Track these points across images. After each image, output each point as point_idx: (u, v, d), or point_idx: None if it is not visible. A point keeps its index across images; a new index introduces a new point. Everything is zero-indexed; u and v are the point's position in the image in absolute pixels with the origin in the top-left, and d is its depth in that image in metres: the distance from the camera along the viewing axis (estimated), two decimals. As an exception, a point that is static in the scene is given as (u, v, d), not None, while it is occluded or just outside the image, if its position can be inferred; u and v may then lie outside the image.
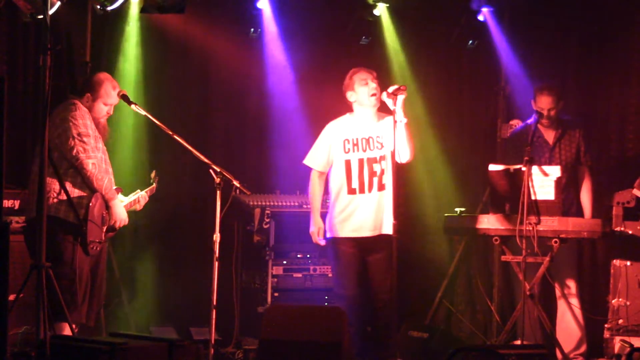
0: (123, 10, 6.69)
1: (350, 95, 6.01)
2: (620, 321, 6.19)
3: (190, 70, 7.27)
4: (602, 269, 7.04)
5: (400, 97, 5.66)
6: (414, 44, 7.59)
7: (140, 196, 5.85)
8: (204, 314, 5.67)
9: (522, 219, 5.94)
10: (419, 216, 7.50)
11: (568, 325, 6.46)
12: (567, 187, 6.45)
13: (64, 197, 5.37)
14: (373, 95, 5.92)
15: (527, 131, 6.38)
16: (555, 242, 6.02)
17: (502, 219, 6.15)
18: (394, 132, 5.62)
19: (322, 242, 6.02)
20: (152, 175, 6.04)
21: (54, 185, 5.37)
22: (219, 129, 7.37)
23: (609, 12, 7.25)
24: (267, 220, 6.69)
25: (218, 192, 5.49)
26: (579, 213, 6.50)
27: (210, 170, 5.54)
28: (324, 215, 6.07)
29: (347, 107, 6.07)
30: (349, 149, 5.98)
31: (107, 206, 5.52)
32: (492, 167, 6.16)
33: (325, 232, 6.02)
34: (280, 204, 6.80)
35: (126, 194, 5.75)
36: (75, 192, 5.41)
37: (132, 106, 5.72)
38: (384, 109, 5.90)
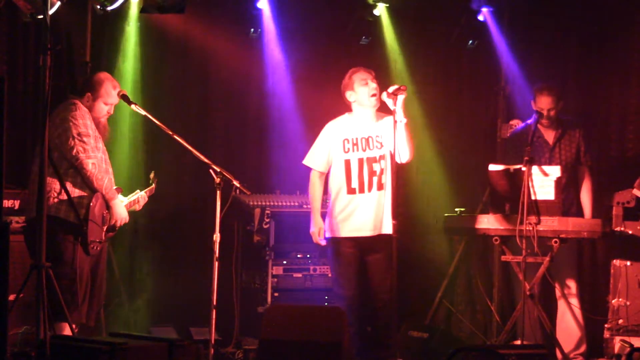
0: (123, 10, 6.69)
1: (350, 95, 5.99)
2: (620, 321, 6.19)
3: (190, 70, 7.27)
4: (602, 269, 7.04)
5: (401, 97, 5.66)
6: (413, 44, 7.59)
7: (140, 196, 5.85)
8: (204, 314, 5.65)
9: (522, 219, 5.93)
10: (419, 216, 7.50)
11: (568, 325, 6.45)
12: (567, 187, 6.45)
13: (64, 197, 5.37)
14: (373, 95, 5.90)
15: (527, 131, 6.37)
16: (555, 242, 6.02)
17: (502, 219, 6.15)
18: (394, 132, 5.61)
19: (323, 242, 6.01)
20: (152, 176, 6.04)
21: (54, 185, 5.37)
22: (219, 129, 7.36)
23: (609, 12, 7.25)
24: (267, 220, 6.69)
25: (218, 192, 5.49)
26: (579, 213, 6.50)
27: (210, 170, 5.53)
28: (324, 215, 6.06)
29: (346, 107, 6.07)
30: (348, 149, 5.97)
31: (107, 206, 5.53)
32: (492, 167, 6.16)
33: (325, 232, 6.03)
34: (280, 204, 6.79)
35: (126, 194, 5.75)
36: (75, 192, 5.41)
37: (132, 106, 5.72)
38: (383, 109, 5.90)
